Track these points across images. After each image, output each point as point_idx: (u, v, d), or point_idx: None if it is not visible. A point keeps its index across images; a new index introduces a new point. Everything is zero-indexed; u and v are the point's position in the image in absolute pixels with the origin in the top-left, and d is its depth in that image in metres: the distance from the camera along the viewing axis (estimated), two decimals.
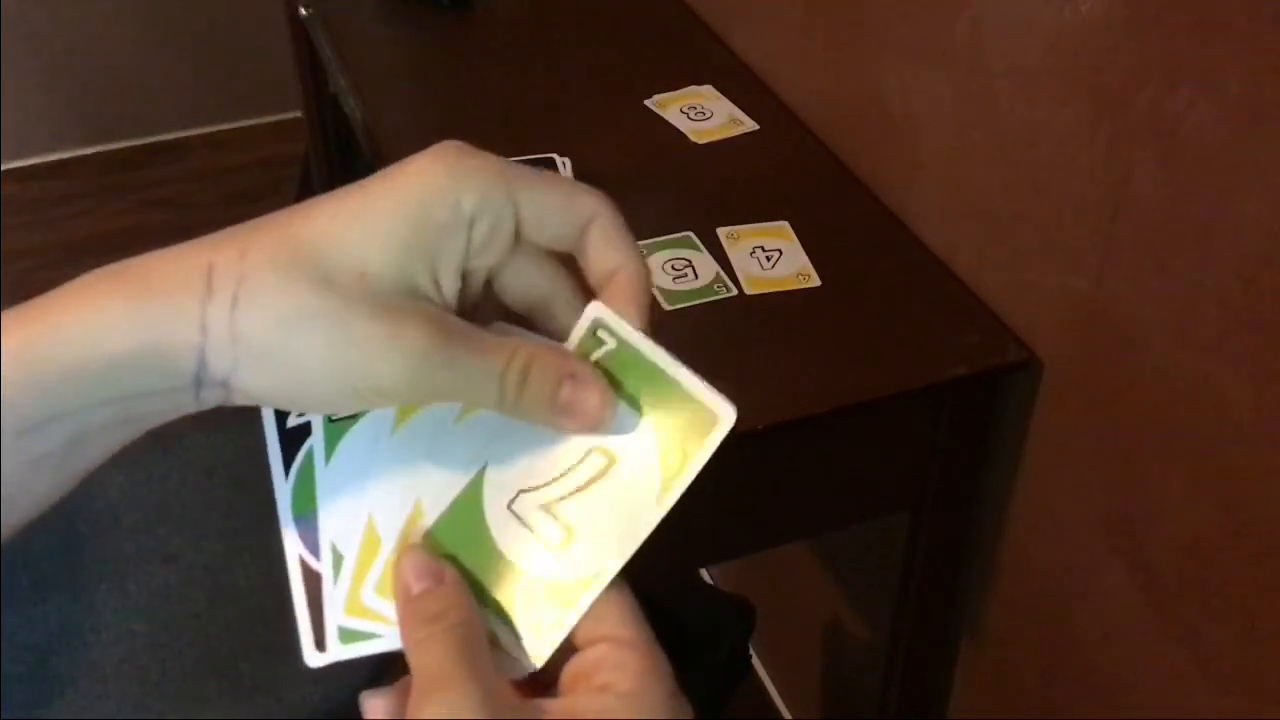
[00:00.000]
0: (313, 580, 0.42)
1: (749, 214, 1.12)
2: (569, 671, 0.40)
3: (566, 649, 0.40)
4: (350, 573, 0.42)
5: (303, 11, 1.57)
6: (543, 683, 0.41)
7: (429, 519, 0.42)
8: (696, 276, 1.06)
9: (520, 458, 0.42)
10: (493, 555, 0.41)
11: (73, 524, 1.33)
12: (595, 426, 0.41)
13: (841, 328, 1.02)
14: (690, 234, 1.10)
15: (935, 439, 1.04)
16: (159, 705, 1.16)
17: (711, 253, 1.08)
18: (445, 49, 1.44)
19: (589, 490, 0.41)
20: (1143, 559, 0.95)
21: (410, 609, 0.40)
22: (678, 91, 1.32)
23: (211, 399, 0.40)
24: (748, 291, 1.04)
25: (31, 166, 2.78)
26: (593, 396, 0.41)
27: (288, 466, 0.43)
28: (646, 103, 1.30)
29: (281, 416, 0.43)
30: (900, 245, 1.11)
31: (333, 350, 0.38)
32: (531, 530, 0.41)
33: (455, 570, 0.41)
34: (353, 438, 0.43)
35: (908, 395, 0.97)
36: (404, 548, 0.41)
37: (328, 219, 0.40)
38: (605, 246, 0.42)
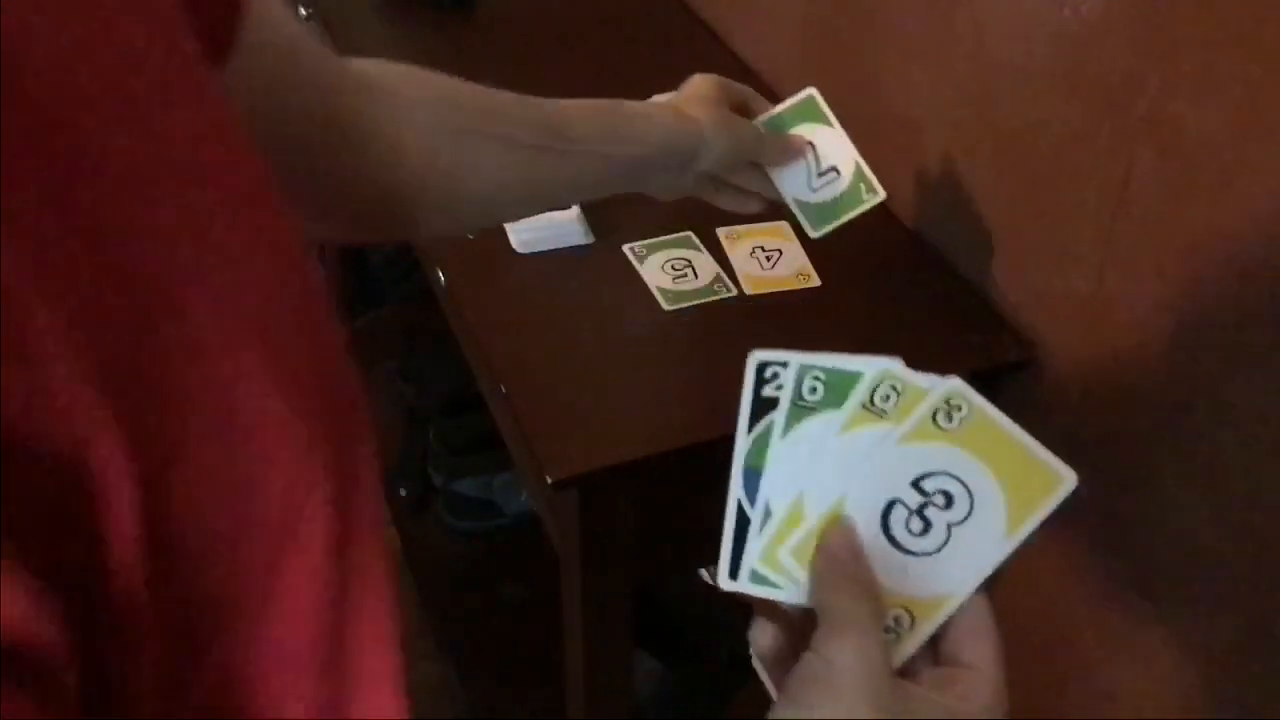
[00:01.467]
0: (742, 522, 0.51)
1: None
2: (933, 676, 0.48)
3: (930, 653, 0.49)
4: (774, 530, 0.50)
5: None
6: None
7: (847, 512, 0.50)
8: (696, 276, 1.06)
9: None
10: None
11: None
12: (801, 150, 0.89)
13: (841, 328, 1.02)
14: (690, 234, 1.10)
15: None
16: None
17: (711, 253, 1.08)
18: (445, 49, 1.44)
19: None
20: (1142, 558, 0.95)
21: (833, 565, 0.48)
22: None
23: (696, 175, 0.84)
24: (748, 291, 1.04)
25: None
26: (791, 138, 0.89)
27: (751, 425, 0.51)
28: None
29: (759, 385, 0.51)
30: (900, 245, 1.11)
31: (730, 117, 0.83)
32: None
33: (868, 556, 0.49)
34: (808, 425, 0.50)
35: None
36: (835, 520, 0.49)
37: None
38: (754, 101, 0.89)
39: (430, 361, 1.95)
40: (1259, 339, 0.80)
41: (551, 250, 1.08)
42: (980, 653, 0.48)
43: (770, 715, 0.46)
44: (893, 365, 0.50)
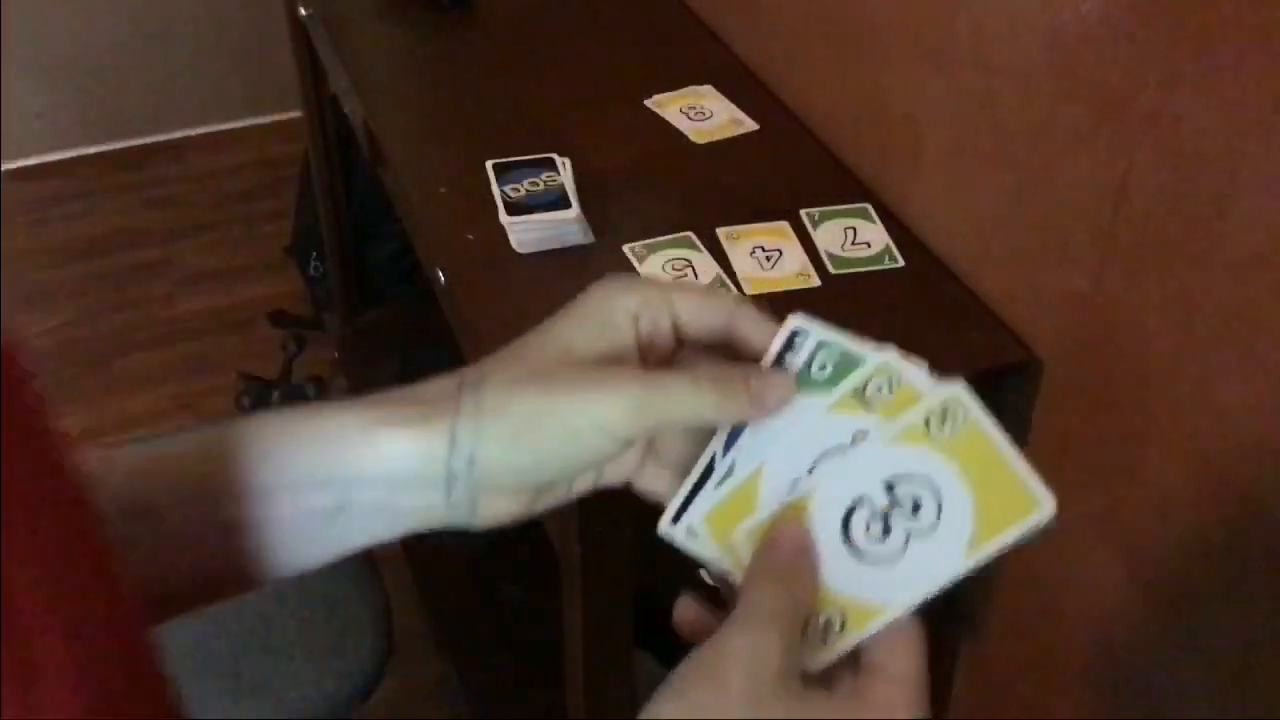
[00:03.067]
0: (707, 473, 0.50)
1: (749, 214, 1.12)
2: (851, 687, 0.47)
3: (854, 660, 0.48)
4: (727, 493, 0.50)
5: (303, 11, 1.57)
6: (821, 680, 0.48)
7: (811, 504, 0.48)
8: (696, 276, 1.06)
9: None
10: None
11: None
12: (784, 403, 0.49)
13: (841, 328, 1.02)
14: (690, 234, 1.10)
15: None
16: None
17: (711, 253, 1.08)
18: (445, 49, 1.44)
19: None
20: (1142, 558, 0.95)
21: (769, 556, 0.47)
22: (678, 91, 1.32)
23: (459, 502, 0.49)
24: (748, 291, 1.04)
25: (31, 166, 2.78)
26: (775, 380, 0.49)
27: None
28: (646, 103, 1.30)
29: (784, 350, 0.50)
30: (900, 245, 1.11)
31: (559, 396, 0.48)
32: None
33: (816, 554, 0.48)
34: (801, 398, 0.49)
35: None
36: (793, 512, 0.48)
37: (532, 333, 0.51)
38: (757, 326, 0.51)
39: (430, 361, 1.95)
40: (1258, 339, 0.80)
41: (551, 250, 1.08)
42: (903, 666, 0.47)
43: (650, 704, 0.45)
44: (892, 358, 0.49)
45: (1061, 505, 0.98)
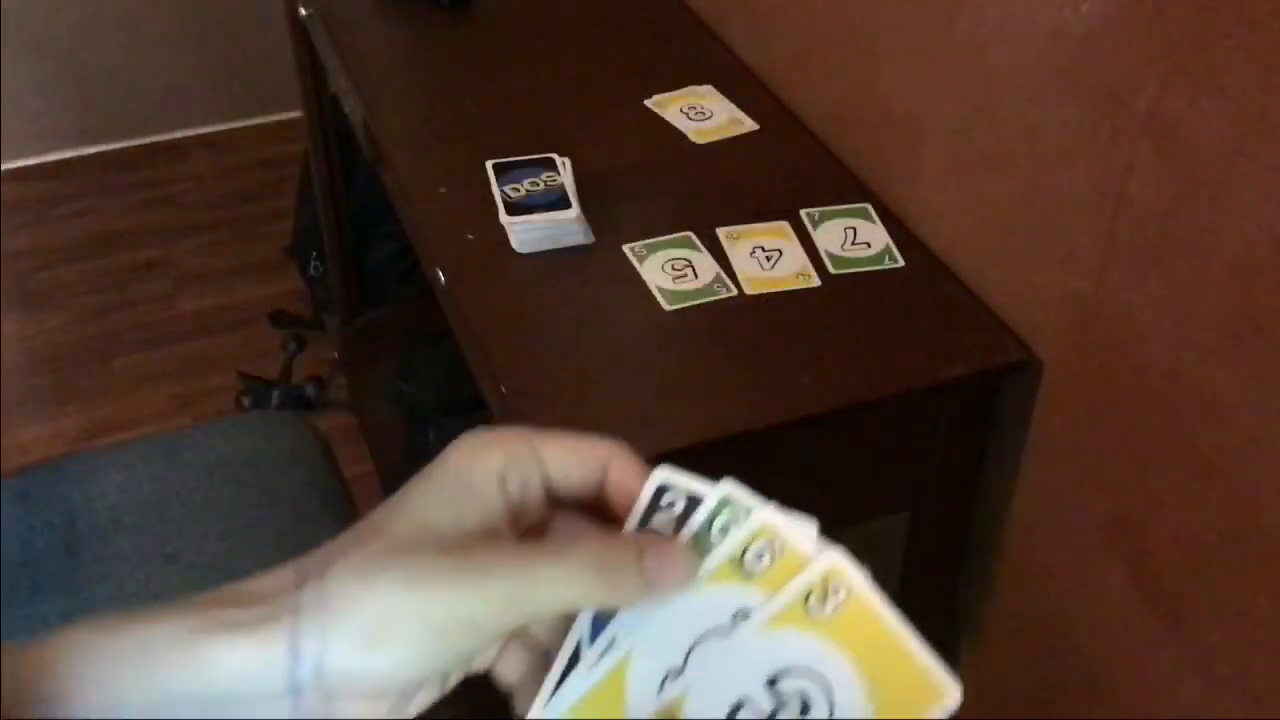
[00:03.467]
0: (574, 661, 0.43)
1: (749, 214, 1.12)
2: None
3: None
4: (591, 686, 0.42)
5: (303, 11, 1.57)
6: None
7: (680, 697, 0.42)
8: (696, 276, 1.06)
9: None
10: None
11: (73, 524, 1.33)
12: (683, 583, 0.42)
13: (841, 328, 1.02)
14: (690, 234, 1.10)
15: (935, 439, 1.04)
16: None
17: (711, 253, 1.08)
18: (445, 49, 1.44)
19: None
20: (1142, 559, 0.95)
21: None
22: (678, 91, 1.32)
23: (310, 711, 0.40)
24: (748, 291, 1.04)
25: (31, 166, 2.78)
26: (672, 558, 0.42)
27: None
28: (646, 103, 1.30)
29: (650, 511, 0.44)
30: (900, 245, 1.11)
31: (420, 587, 0.40)
32: None
33: None
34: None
35: (907, 395, 0.97)
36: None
37: (384, 507, 0.43)
38: (630, 474, 0.45)
39: (430, 361, 1.95)
40: (1257, 338, 0.80)
41: (551, 250, 1.08)
42: None
43: None
44: (775, 520, 0.42)
45: (1061, 505, 0.98)
